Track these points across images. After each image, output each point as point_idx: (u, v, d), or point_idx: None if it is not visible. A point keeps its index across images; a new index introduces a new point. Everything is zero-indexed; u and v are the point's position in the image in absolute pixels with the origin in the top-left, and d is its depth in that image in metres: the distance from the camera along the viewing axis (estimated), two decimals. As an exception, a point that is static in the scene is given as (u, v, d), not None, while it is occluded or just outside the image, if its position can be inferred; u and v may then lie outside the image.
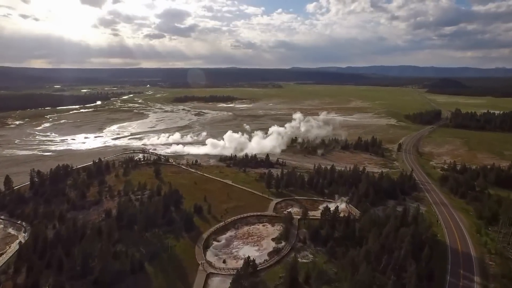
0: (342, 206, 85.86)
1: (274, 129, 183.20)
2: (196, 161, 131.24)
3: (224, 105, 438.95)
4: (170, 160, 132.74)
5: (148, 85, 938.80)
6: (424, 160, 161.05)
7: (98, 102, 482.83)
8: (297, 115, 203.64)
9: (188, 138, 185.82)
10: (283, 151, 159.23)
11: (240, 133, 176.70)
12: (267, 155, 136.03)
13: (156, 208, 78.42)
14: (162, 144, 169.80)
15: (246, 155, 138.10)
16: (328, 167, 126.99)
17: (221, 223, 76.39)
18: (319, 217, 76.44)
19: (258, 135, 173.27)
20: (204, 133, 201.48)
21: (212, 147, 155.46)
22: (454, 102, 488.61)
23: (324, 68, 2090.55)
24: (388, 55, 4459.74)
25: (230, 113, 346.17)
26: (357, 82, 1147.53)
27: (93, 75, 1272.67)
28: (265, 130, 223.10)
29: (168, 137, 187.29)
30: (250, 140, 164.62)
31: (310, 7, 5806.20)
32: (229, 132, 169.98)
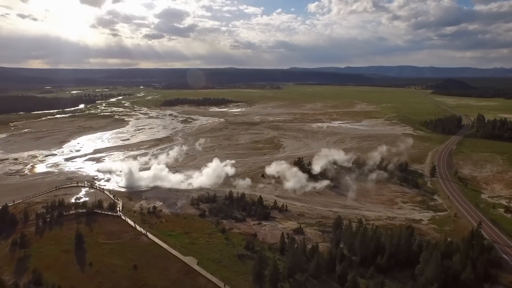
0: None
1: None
2: (155, 207, 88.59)
3: (217, 109, 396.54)
4: (117, 204, 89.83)
5: (142, 86, 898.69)
6: (472, 192, 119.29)
7: (81, 106, 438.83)
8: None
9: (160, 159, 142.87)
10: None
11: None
12: (260, 196, 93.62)
13: None
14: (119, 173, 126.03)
15: (230, 194, 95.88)
16: (352, 213, 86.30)
17: None
18: None
19: None
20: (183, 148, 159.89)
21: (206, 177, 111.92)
22: (465, 104, 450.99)
23: (323, 68, 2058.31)
24: (387, 55, 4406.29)
25: (222, 120, 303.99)
26: (357, 83, 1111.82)
27: (90, 75, 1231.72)
28: (268, 142, 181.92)
29: (136, 157, 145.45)
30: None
31: (312, 6, 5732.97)
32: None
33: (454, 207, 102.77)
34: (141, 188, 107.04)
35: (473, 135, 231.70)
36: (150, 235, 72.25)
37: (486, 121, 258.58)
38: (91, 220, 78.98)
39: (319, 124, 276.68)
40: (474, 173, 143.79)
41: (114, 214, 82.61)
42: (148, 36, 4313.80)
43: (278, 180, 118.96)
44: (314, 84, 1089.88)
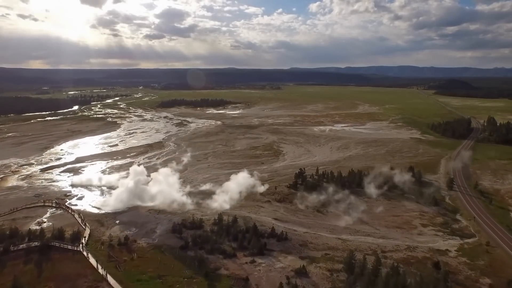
0: None
1: None
2: (127, 237, 73.40)
3: (214, 111, 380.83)
4: (84, 231, 74.78)
5: (141, 87, 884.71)
6: (499, 210, 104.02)
7: (75, 107, 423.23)
8: None
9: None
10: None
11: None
12: (255, 224, 78.18)
13: None
14: (99, 187, 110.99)
15: (220, 218, 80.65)
16: (364, 242, 71.85)
17: None
18: None
19: None
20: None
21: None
22: (471, 105, 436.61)
23: (323, 68, 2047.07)
24: (387, 55, 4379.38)
25: (219, 122, 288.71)
26: (358, 83, 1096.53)
27: (90, 76, 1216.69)
28: (265, 148, 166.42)
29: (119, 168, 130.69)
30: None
31: (313, 6, 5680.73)
32: None
33: (483, 232, 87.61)
34: (117, 209, 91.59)
35: (485, 139, 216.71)
36: (112, 281, 56.91)
37: (498, 124, 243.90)
38: (44, 258, 63.58)
39: (321, 127, 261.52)
40: (496, 185, 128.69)
41: (75, 248, 67.27)
42: (149, 36, 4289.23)
43: (277, 197, 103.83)
44: (314, 84, 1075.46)
